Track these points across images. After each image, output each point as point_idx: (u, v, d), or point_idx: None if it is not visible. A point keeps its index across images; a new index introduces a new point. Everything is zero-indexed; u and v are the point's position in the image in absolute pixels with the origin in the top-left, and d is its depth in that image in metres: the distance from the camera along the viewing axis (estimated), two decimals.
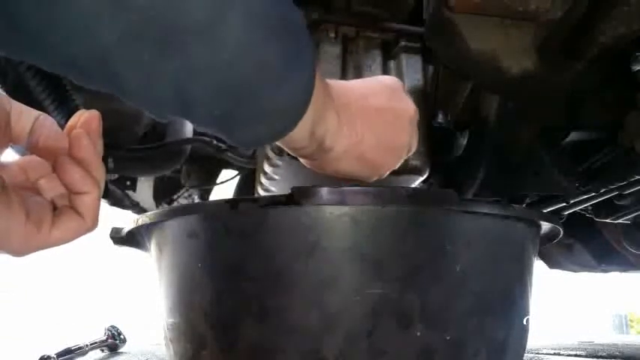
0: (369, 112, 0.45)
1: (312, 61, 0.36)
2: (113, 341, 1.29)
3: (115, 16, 0.26)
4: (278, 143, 0.41)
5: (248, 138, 0.36)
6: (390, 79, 0.50)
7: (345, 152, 0.43)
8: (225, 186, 1.42)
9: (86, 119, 0.35)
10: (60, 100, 0.92)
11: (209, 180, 1.40)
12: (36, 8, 0.25)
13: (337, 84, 0.44)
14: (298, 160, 0.47)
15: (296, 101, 0.35)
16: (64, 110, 0.92)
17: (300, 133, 0.38)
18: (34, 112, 0.34)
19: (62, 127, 0.35)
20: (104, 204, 1.35)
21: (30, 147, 0.34)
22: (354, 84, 0.48)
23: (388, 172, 0.49)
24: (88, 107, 0.36)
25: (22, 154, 0.36)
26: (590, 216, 0.90)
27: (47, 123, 0.34)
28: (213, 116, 0.33)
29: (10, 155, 0.35)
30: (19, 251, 0.33)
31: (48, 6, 0.25)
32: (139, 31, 0.27)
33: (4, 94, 0.33)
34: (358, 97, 0.45)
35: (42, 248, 0.33)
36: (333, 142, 0.42)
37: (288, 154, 0.47)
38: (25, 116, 0.34)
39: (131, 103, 0.32)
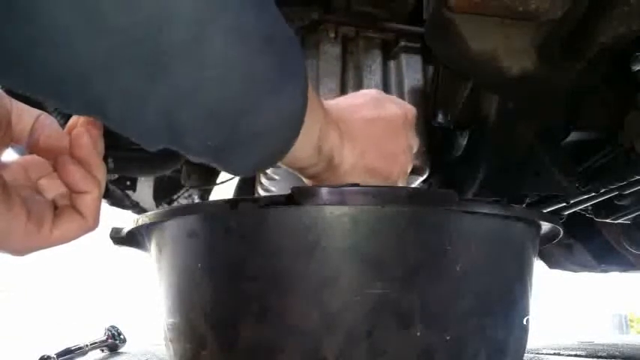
0: (363, 125, 0.45)
1: (304, 72, 0.34)
2: (113, 341, 1.29)
3: (94, 37, 0.24)
4: (285, 166, 0.40)
5: (247, 162, 0.35)
6: (370, 91, 0.50)
7: (352, 166, 0.43)
8: (225, 186, 1.42)
9: (87, 119, 0.35)
10: None
11: (209, 180, 1.40)
12: (11, 26, 0.23)
13: (326, 102, 0.43)
14: None
15: (291, 114, 0.34)
16: (66, 115, 0.92)
17: (306, 150, 0.38)
18: (35, 112, 0.34)
19: (62, 127, 0.35)
20: (104, 204, 1.35)
21: (30, 146, 0.34)
22: (339, 101, 0.48)
23: (403, 176, 0.49)
24: None
25: (22, 154, 0.36)
26: (590, 216, 0.90)
27: (48, 122, 0.34)
28: (207, 144, 0.31)
29: (10, 155, 0.35)
30: (19, 251, 0.33)
31: (23, 24, 0.23)
32: (120, 53, 0.25)
33: (5, 93, 0.33)
34: (348, 113, 0.45)
35: (43, 248, 0.33)
36: (340, 157, 0.42)
37: None
38: (25, 116, 0.34)
39: (120, 132, 0.30)
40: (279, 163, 0.39)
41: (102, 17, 0.24)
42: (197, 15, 0.26)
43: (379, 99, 0.49)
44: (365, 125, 0.45)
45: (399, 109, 0.49)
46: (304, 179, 0.46)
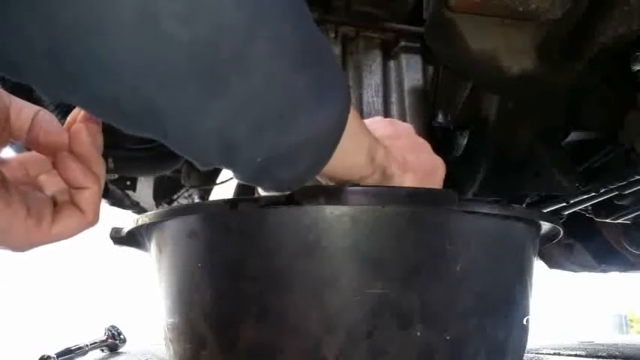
0: (402, 140, 0.47)
1: (344, 81, 0.34)
2: (113, 341, 1.29)
3: (157, 53, 0.25)
4: (337, 180, 0.40)
5: (290, 175, 0.34)
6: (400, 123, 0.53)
7: (404, 173, 0.44)
8: (225, 186, 1.42)
9: (85, 114, 0.35)
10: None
11: (209, 180, 1.40)
12: (76, 45, 0.24)
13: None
14: None
15: (332, 124, 0.33)
16: (64, 109, 0.92)
17: (360, 158, 0.38)
18: (34, 108, 0.34)
19: (61, 123, 0.35)
20: (104, 204, 1.35)
21: (30, 142, 0.34)
22: (374, 120, 0.51)
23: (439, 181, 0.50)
24: None
25: (21, 150, 0.36)
26: (590, 216, 0.90)
27: (47, 118, 0.34)
28: (255, 159, 0.31)
29: (9, 152, 0.35)
30: (19, 247, 0.32)
31: (85, 43, 0.24)
32: (182, 70, 0.26)
33: (3, 90, 0.33)
34: (388, 129, 0.48)
35: (43, 244, 0.33)
36: (391, 168, 0.42)
37: None
38: (24, 112, 0.34)
39: (175, 150, 0.30)
40: (338, 176, 0.39)
41: (164, 35, 0.24)
42: (246, 26, 0.26)
43: (410, 129, 0.51)
44: (404, 141, 0.48)
45: (440, 161, 0.51)
46: None
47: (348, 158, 0.37)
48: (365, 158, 0.39)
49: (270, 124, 0.30)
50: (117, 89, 0.26)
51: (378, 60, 0.86)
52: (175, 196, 1.46)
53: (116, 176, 1.21)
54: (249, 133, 0.29)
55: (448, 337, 0.39)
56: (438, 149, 0.81)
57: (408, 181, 0.45)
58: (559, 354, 1.25)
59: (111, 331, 1.30)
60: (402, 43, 0.85)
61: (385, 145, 0.43)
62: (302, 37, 0.30)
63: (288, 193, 0.39)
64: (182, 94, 0.26)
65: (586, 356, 1.19)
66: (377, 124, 0.50)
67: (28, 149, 0.35)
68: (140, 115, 0.27)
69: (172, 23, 0.24)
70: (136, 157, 1.12)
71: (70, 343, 1.13)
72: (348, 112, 0.34)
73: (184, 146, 0.30)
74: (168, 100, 0.27)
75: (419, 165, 0.46)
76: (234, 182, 1.43)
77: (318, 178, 0.41)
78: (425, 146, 0.50)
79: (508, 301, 0.45)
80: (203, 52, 0.25)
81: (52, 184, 0.35)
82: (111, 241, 0.52)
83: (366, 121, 0.50)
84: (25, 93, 0.39)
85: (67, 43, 0.24)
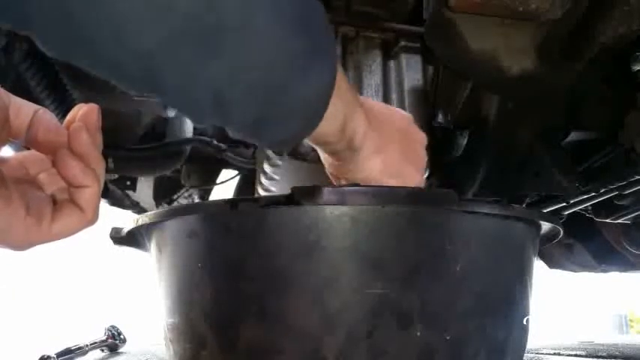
0: (391, 128, 0.47)
1: (333, 54, 0.37)
2: (113, 341, 1.29)
3: (158, 18, 0.27)
4: (308, 140, 0.42)
5: (281, 136, 0.37)
6: (403, 112, 0.54)
7: (371, 155, 0.45)
8: (225, 186, 1.42)
9: (85, 112, 0.35)
10: (60, 99, 0.92)
11: (209, 180, 1.40)
12: (85, 7, 0.26)
13: (363, 97, 0.46)
14: (298, 161, 0.47)
15: (321, 90, 0.36)
16: (64, 109, 0.92)
17: (331, 127, 0.40)
18: (33, 107, 0.34)
19: (60, 122, 0.35)
20: (104, 204, 1.35)
21: (29, 141, 0.34)
22: (375, 102, 0.53)
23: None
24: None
25: (20, 149, 0.36)
26: (590, 216, 0.90)
27: (46, 117, 0.34)
28: (248, 119, 0.34)
29: (9, 151, 0.35)
30: (19, 245, 0.32)
31: (95, 6, 0.26)
32: (180, 34, 0.28)
33: (2, 89, 0.33)
34: (381, 114, 0.47)
35: (42, 242, 0.33)
36: (361, 142, 0.43)
37: (289, 154, 0.48)
38: (24, 111, 0.34)
39: (170, 105, 0.33)
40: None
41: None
42: None
43: (410, 119, 0.52)
44: (393, 130, 0.47)
45: (423, 134, 0.52)
46: (323, 156, 0.48)
47: (322, 125, 0.39)
48: (337, 127, 0.40)
49: (265, 86, 0.32)
50: (118, 50, 0.28)
51: (378, 60, 0.86)
52: (175, 196, 1.46)
53: (116, 176, 1.21)
54: (243, 93, 0.32)
55: (448, 337, 0.39)
56: (437, 149, 0.81)
57: (375, 164, 0.45)
58: (559, 354, 1.25)
59: (111, 331, 1.30)
60: (402, 43, 0.85)
61: (371, 123, 0.44)
62: (299, 5, 0.32)
63: (288, 193, 0.39)
64: (181, 52, 0.29)
65: (586, 356, 1.19)
66: (379, 105, 0.51)
67: (28, 148, 0.35)
68: (140, 75, 0.30)
69: None
70: (136, 157, 1.12)
71: (70, 343, 1.13)
72: (335, 77, 0.37)
73: (176, 101, 0.33)
74: (166, 58, 0.29)
75: (395, 159, 0.46)
76: (234, 182, 1.43)
77: None
78: (415, 144, 0.50)
79: (508, 301, 0.45)
80: (201, 14, 0.28)
81: (51, 182, 0.35)
82: (111, 241, 0.52)
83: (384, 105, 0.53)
84: (25, 92, 0.39)
85: (75, 5, 0.26)
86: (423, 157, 0.51)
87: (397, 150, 0.47)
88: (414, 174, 0.49)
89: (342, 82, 0.38)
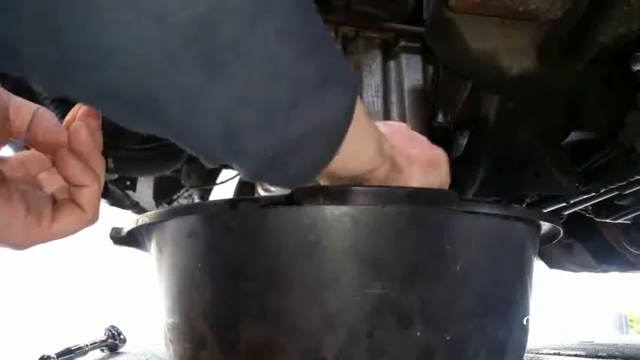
0: (396, 137, 0.45)
1: (350, 71, 0.34)
2: (113, 341, 1.29)
3: (155, 35, 0.24)
4: (349, 171, 0.38)
5: (301, 167, 0.33)
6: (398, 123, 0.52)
7: (414, 167, 0.44)
8: (225, 186, 1.42)
9: (85, 112, 0.35)
10: (60, 99, 0.92)
11: (209, 180, 1.40)
12: (72, 25, 0.23)
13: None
14: None
15: (340, 113, 0.33)
16: (64, 109, 0.92)
17: (369, 148, 0.37)
18: (33, 106, 0.34)
19: (60, 121, 0.35)
20: (104, 204, 1.35)
21: (29, 141, 0.34)
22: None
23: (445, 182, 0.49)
24: None
25: (19, 149, 0.36)
26: (590, 216, 0.90)
27: (46, 116, 0.34)
28: (263, 151, 0.30)
29: (9, 151, 0.35)
30: (19, 245, 0.33)
31: (82, 24, 0.23)
32: (180, 52, 0.24)
33: (2, 89, 0.33)
34: (384, 126, 0.46)
35: (43, 242, 0.33)
36: (399, 157, 0.42)
37: None
38: (24, 110, 0.34)
39: (179, 142, 0.30)
40: (346, 172, 0.38)
41: (162, 15, 0.23)
42: (249, 11, 0.25)
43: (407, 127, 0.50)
44: (407, 139, 0.47)
45: (441, 151, 0.50)
46: None
47: (359, 147, 0.36)
48: (375, 147, 0.38)
49: (277, 111, 0.29)
50: (113, 74, 0.24)
51: (378, 60, 0.86)
52: (175, 196, 1.46)
53: (116, 176, 1.21)
54: (255, 121, 0.28)
55: (448, 337, 0.39)
56: None
57: (416, 173, 0.44)
58: (559, 354, 1.25)
59: (111, 331, 1.30)
60: (402, 43, 0.85)
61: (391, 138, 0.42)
62: (308, 26, 0.29)
63: (288, 193, 0.39)
64: (180, 79, 0.25)
65: (586, 356, 1.19)
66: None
67: (28, 147, 0.35)
68: (140, 104, 0.26)
69: (171, 2, 0.23)
70: (136, 157, 1.12)
71: (70, 343, 1.13)
72: (355, 100, 0.33)
73: (183, 135, 0.29)
74: (165, 84, 0.25)
75: (423, 157, 0.46)
76: (234, 182, 1.43)
77: (326, 178, 0.41)
78: (422, 139, 0.50)
79: (508, 301, 0.45)
80: (202, 34, 0.24)
81: (51, 182, 0.35)
82: (111, 241, 0.52)
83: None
84: (25, 91, 0.38)
85: (64, 29, 0.23)
86: (447, 176, 0.50)
87: (417, 150, 0.46)
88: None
89: (360, 104, 0.35)
